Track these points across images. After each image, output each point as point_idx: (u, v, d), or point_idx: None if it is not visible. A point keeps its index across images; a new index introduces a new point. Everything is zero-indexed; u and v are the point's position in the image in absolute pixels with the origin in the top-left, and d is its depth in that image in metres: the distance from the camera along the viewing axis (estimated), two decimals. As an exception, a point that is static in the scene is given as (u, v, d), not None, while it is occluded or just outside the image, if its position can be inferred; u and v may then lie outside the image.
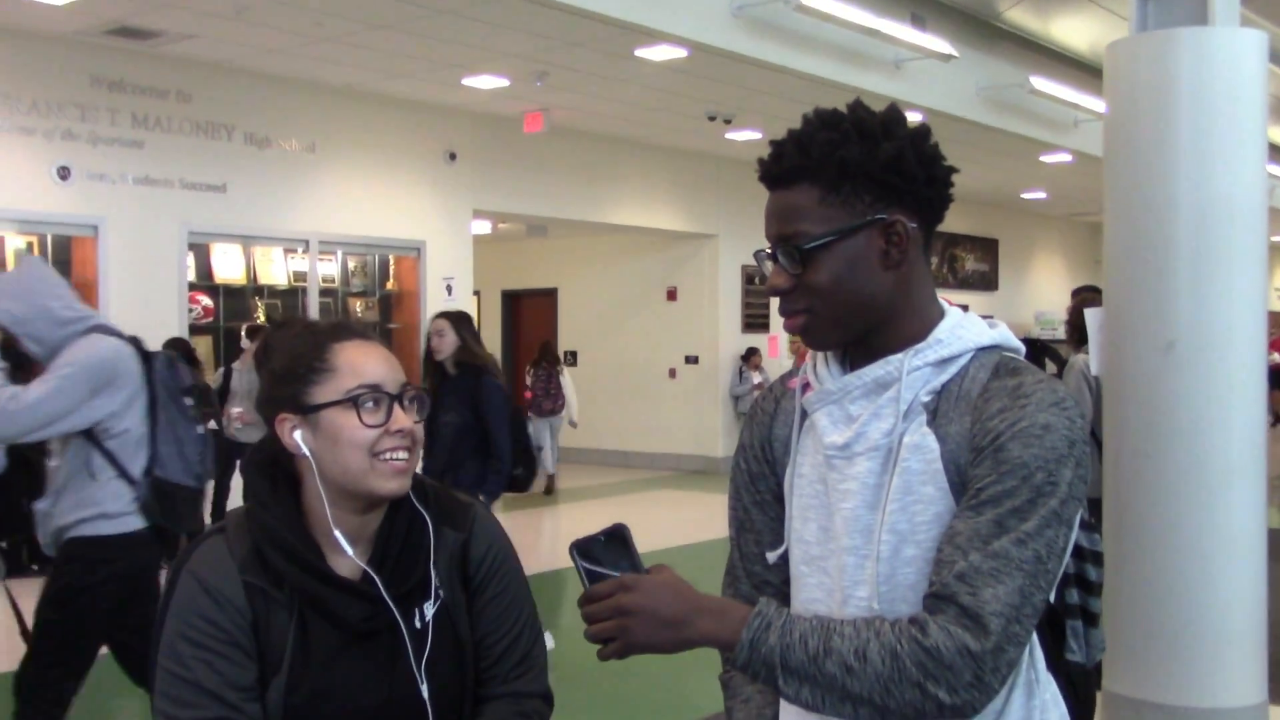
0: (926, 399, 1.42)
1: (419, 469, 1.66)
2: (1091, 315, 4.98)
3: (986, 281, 19.18)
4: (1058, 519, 1.33)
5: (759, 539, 1.60)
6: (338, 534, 1.59)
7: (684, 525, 10.30)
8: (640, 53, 9.18)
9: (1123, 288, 4.70)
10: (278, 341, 1.66)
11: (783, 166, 1.44)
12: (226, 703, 1.53)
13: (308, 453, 1.58)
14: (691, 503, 12.26)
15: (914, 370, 1.42)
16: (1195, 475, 4.49)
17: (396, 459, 1.58)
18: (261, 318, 10.23)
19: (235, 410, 8.59)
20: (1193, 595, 4.50)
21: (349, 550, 1.59)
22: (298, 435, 1.59)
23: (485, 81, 10.10)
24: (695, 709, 4.99)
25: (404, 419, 1.60)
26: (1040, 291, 20.24)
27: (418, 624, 1.63)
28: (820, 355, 1.53)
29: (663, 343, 14.87)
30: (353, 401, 1.58)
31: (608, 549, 1.40)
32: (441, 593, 1.66)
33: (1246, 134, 4.55)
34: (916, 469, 1.39)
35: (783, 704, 1.55)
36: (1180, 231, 4.53)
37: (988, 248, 19.29)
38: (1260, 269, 4.61)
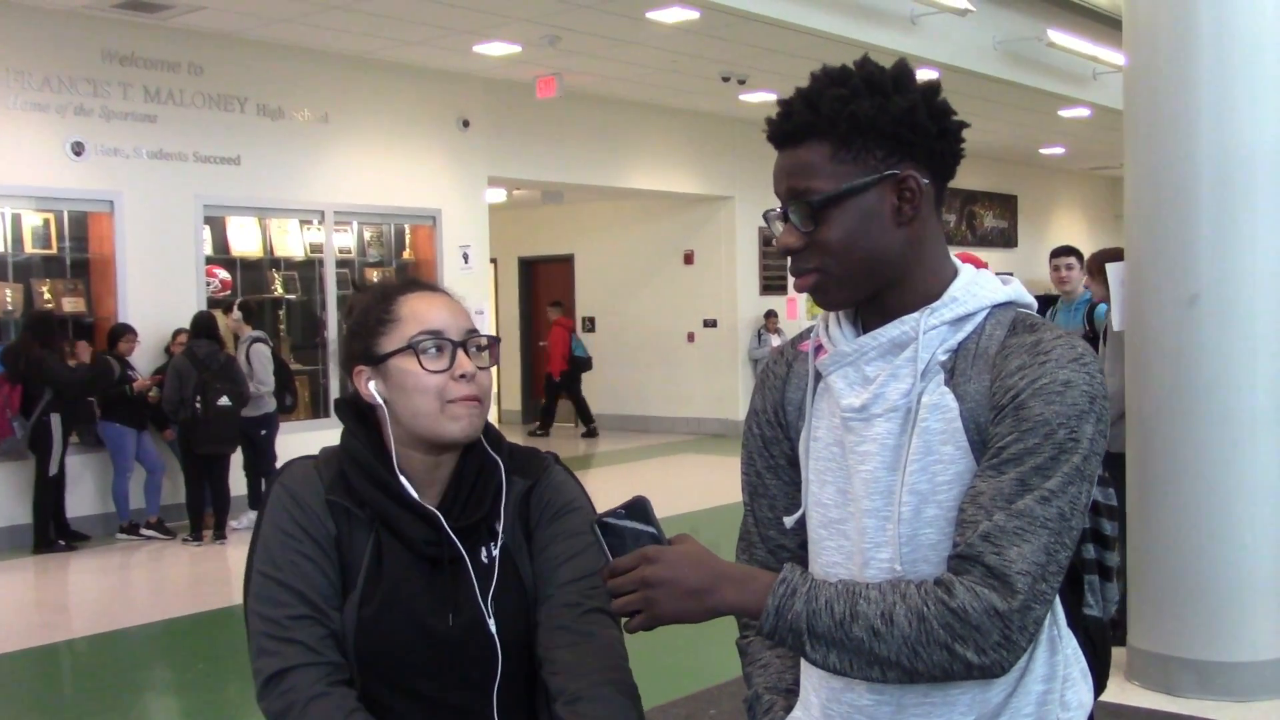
0: (943, 358, 1.42)
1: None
2: (1113, 270, 4.93)
3: (1005, 238, 19.05)
4: (1080, 475, 1.33)
5: (773, 504, 1.59)
6: (403, 479, 1.66)
7: (705, 489, 10.30)
8: (652, 15, 9.09)
9: (1144, 242, 4.65)
10: (355, 301, 1.77)
11: (793, 124, 1.42)
12: (311, 603, 1.62)
13: (381, 402, 1.66)
14: (712, 466, 12.26)
15: (930, 329, 1.42)
16: (1219, 429, 4.45)
17: (465, 402, 1.64)
18: (280, 290, 10.24)
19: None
20: (1217, 549, 4.48)
21: (413, 494, 1.66)
22: (372, 386, 1.68)
23: (497, 48, 10.04)
24: (714, 675, 5.00)
25: (467, 363, 1.65)
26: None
27: (484, 560, 1.69)
28: (832, 316, 1.52)
29: (680, 307, 14.82)
30: (413, 348, 1.64)
31: (627, 520, 1.40)
32: (502, 535, 1.71)
33: (1269, 82, 4.47)
34: (936, 428, 1.39)
35: (804, 668, 1.55)
36: (1202, 183, 4.47)
37: (1006, 204, 19.14)
38: (1284, 219, 4.54)
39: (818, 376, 1.51)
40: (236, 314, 9.04)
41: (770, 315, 14.40)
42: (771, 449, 1.58)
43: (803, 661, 1.55)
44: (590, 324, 15.73)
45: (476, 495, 1.69)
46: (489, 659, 1.66)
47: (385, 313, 1.67)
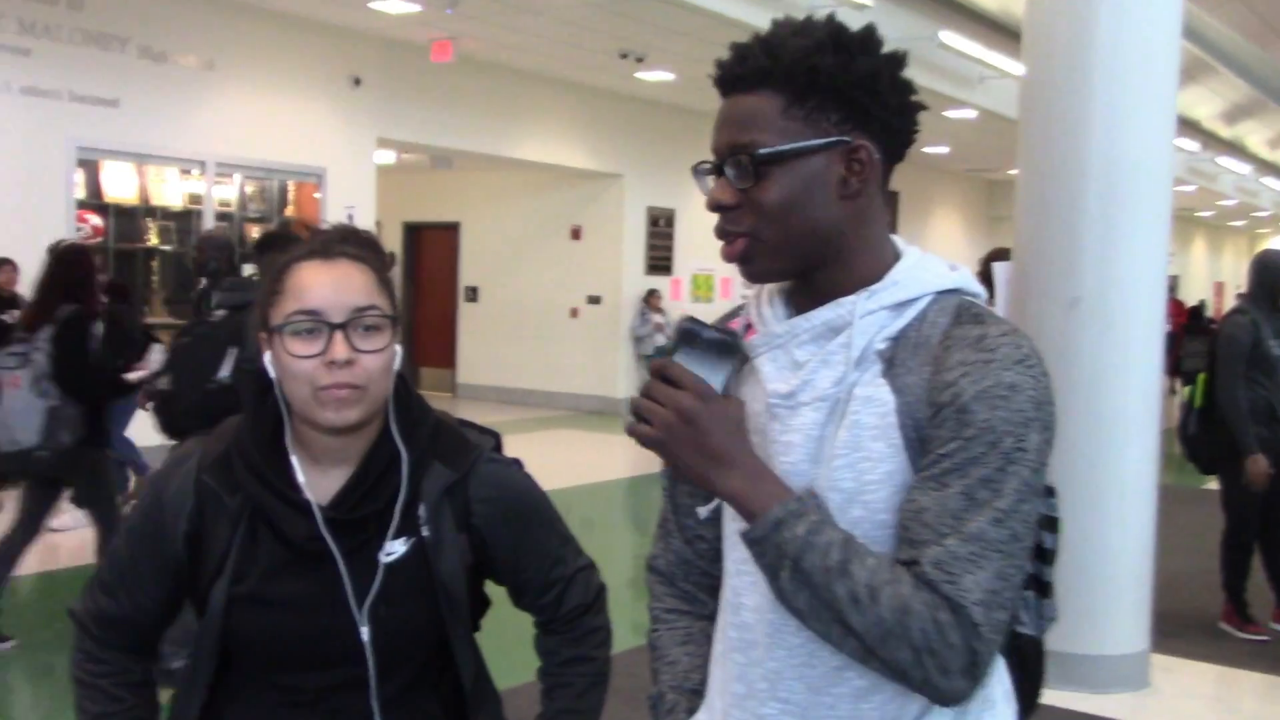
0: (881, 346, 1.30)
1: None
2: (999, 269, 5.04)
3: (886, 233, 19.40)
4: (1031, 490, 1.24)
5: (692, 491, 1.49)
6: (295, 462, 1.56)
7: (583, 466, 10.30)
8: (555, -15, 9.02)
9: (1031, 244, 4.77)
10: (265, 262, 1.66)
11: (746, 68, 1.29)
12: (129, 590, 1.63)
13: (273, 374, 1.54)
14: (591, 443, 12.26)
15: (867, 313, 1.30)
16: (1092, 429, 4.60)
17: (334, 390, 1.49)
18: (155, 240, 9.89)
19: None
20: (1084, 546, 4.64)
21: (299, 474, 1.55)
22: (266, 356, 1.55)
23: (394, 5, 9.83)
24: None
25: (341, 349, 1.48)
26: (938, 246, 20.52)
27: (384, 559, 1.57)
28: (765, 296, 1.40)
29: (566, 281, 14.77)
30: (284, 329, 1.50)
31: (709, 348, 1.27)
32: (425, 531, 1.59)
33: (1158, 98, 4.63)
34: (867, 423, 1.27)
35: (712, 669, 1.47)
36: (1090, 191, 4.60)
37: (887, 200, 19.44)
38: (1164, 231, 4.72)
39: (744, 359, 1.39)
40: None
41: (653, 294, 14.44)
42: None
43: (712, 663, 1.47)
44: (473, 294, 15.57)
45: (379, 487, 1.56)
46: (378, 662, 1.58)
47: (278, 282, 1.54)
